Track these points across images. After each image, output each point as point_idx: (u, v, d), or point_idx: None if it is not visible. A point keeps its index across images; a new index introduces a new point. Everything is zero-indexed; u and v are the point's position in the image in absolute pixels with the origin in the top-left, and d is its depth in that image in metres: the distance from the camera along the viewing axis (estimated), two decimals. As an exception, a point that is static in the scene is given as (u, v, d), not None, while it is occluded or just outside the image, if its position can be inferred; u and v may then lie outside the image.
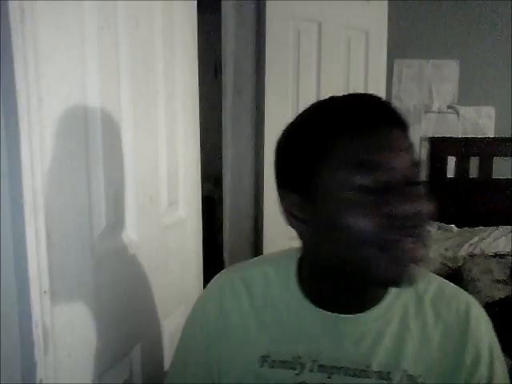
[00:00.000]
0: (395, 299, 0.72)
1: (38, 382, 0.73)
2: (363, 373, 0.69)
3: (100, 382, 0.89)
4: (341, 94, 0.68)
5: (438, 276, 0.77)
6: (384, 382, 0.69)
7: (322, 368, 0.70)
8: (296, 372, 0.70)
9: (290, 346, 0.71)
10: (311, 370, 0.70)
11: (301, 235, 0.70)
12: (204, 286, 1.42)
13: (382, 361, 0.69)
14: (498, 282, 2.40)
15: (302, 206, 0.67)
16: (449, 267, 2.69)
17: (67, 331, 0.80)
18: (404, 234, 0.60)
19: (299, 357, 0.71)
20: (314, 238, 0.67)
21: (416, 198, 0.60)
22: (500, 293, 2.26)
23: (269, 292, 0.75)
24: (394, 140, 0.62)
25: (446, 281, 0.77)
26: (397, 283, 0.63)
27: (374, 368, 0.69)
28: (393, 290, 0.72)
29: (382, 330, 0.70)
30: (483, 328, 0.72)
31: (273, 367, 0.71)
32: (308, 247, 0.72)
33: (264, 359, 0.72)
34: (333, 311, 0.71)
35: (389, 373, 0.69)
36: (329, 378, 0.69)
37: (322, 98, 0.69)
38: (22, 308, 0.71)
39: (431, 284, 0.74)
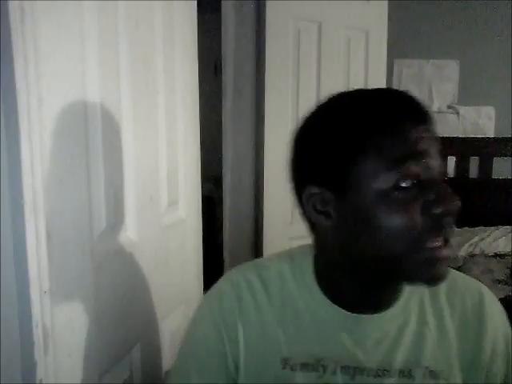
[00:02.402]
0: (411, 296, 0.71)
1: (37, 382, 0.73)
2: (386, 373, 0.68)
3: (100, 382, 0.89)
4: (366, 88, 0.66)
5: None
6: (406, 379, 0.68)
7: (344, 370, 0.68)
8: (319, 374, 0.69)
9: (312, 347, 0.69)
10: (333, 373, 0.68)
11: (320, 229, 0.68)
12: (204, 286, 1.43)
13: (403, 359, 0.68)
14: (498, 282, 2.40)
15: (326, 199, 0.64)
16: (449, 267, 2.69)
17: (67, 331, 0.80)
18: (438, 234, 0.59)
19: (321, 359, 0.69)
20: (337, 233, 0.65)
21: (449, 196, 0.59)
22: (500, 293, 2.25)
23: (286, 290, 0.72)
24: (430, 136, 0.61)
25: (457, 271, 0.76)
26: (429, 282, 0.63)
27: (396, 367, 0.68)
28: (408, 287, 0.71)
29: (401, 328, 0.69)
30: (498, 317, 0.72)
31: (295, 370, 0.69)
32: (328, 242, 0.68)
33: (286, 361, 0.70)
34: (352, 310, 0.69)
35: (410, 370, 0.68)
36: (352, 379, 0.68)
37: (344, 91, 0.67)
38: (22, 308, 0.71)
39: None
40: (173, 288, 1.21)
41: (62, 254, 0.78)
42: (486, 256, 2.71)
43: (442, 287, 0.72)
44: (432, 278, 0.62)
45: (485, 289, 0.74)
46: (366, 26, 2.34)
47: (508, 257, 2.64)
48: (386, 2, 2.37)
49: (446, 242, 0.60)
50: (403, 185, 0.58)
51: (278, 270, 0.74)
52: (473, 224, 3.03)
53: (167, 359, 1.19)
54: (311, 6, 2.19)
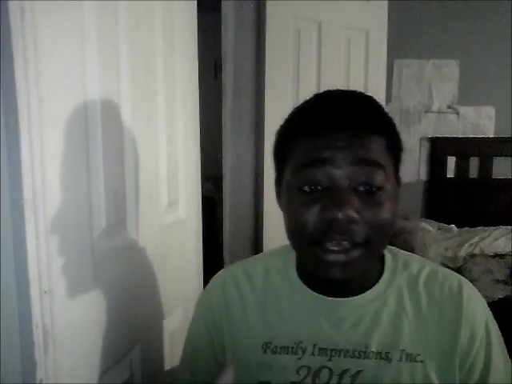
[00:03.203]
0: (390, 282, 0.75)
1: (37, 382, 0.73)
2: (362, 354, 0.71)
3: (100, 382, 0.89)
4: (328, 90, 0.72)
5: (432, 262, 0.80)
6: (383, 361, 0.71)
7: (322, 351, 0.72)
8: (298, 357, 0.73)
9: (292, 331, 0.74)
10: (312, 354, 0.72)
11: None
12: (204, 286, 1.43)
13: (380, 341, 0.72)
14: (498, 282, 2.40)
15: (279, 192, 0.73)
16: (449, 267, 2.69)
17: (67, 331, 0.80)
18: (329, 238, 0.63)
19: (300, 342, 0.73)
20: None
21: (340, 204, 0.61)
22: (500, 293, 2.26)
23: (269, 282, 0.78)
24: (341, 145, 0.63)
25: (440, 266, 0.80)
26: (324, 278, 0.67)
27: (373, 349, 0.71)
28: (387, 273, 0.75)
29: (378, 311, 0.73)
30: (477, 306, 0.74)
31: (275, 353, 0.74)
32: None
33: (267, 345, 0.74)
34: (331, 295, 0.73)
35: (387, 353, 0.71)
36: (329, 360, 0.72)
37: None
38: (22, 308, 0.71)
39: (425, 267, 0.77)
40: (173, 288, 1.21)
41: (62, 254, 0.78)
42: (486, 256, 2.71)
43: (422, 276, 0.76)
44: (324, 275, 0.66)
45: (465, 280, 0.76)
46: (366, 26, 2.34)
47: (508, 257, 2.64)
48: (386, 2, 2.37)
49: (344, 247, 0.63)
50: (305, 188, 0.64)
51: (264, 264, 0.81)
52: (473, 224, 3.03)
53: (167, 359, 1.19)
54: (311, 6, 2.19)
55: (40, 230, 0.72)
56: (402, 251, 0.80)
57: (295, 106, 0.73)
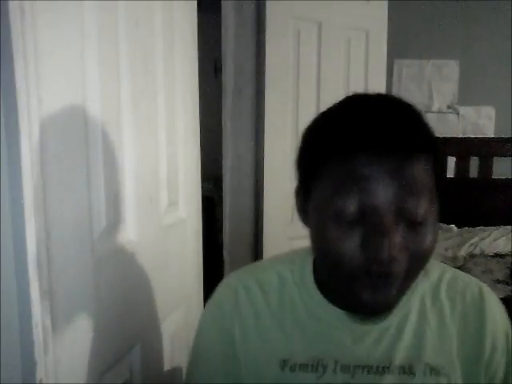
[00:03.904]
0: (412, 293, 0.71)
1: (37, 382, 0.72)
2: (387, 369, 0.68)
3: (100, 382, 0.89)
4: (363, 95, 0.65)
5: (449, 266, 0.77)
6: (407, 376, 0.68)
7: (344, 368, 0.69)
8: (318, 375, 0.69)
9: (311, 347, 0.70)
10: (334, 371, 0.69)
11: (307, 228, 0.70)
12: (204, 287, 1.43)
13: (404, 355, 0.69)
14: (498, 282, 2.40)
15: (303, 204, 0.68)
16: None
17: (67, 331, 0.80)
18: (367, 275, 0.59)
19: (321, 358, 0.69)
20: (311, 234, 0.67)
21: (391, 241, 0.56)
22: (500, 293, 2.26)
23: (285, 293, 0.73)
24: (382, 170, 0.57)
25: (458, 270, 0.77)
26: (352, 312, 0.65)
27: (397, 363, 0.68)
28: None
29: (401, 324, 0.70)
30: (498, 315, 0.72)
31: (294, 371, 0.69)
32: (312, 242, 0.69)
33: (285, 363, 0.70)
34: (350, 311, 0.69)
35: (411, 366, 0.68)
36: (352, 377, 0.68)
37: (348, 95, 0.66)
38: (22, 308, 0.71)
39: (445, 274, 0.74)
40: (173, 288, 1.21)
41: (62, 254, 0.78)
42: (486, 256, 2.71)
43: (443, 285, 0.73)
44: (357, 312, 0.64)
45: (485, 286, 0.74)
46: (366, 26, 2.34)
47: (508, 257, 2.64)
48: (386, 2, 2.37)
49: (391, 284, 0.59)
50: (343, 218, 0.58)
51: (277, 273, 0.75)
52: (473, 224, 3.03)
53: (167, 359, 1.19)
54: (311, 6, 2.19)
55: (40, 230, 0.71)
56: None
57: (327, 112, 0.65)
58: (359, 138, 0.58)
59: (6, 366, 0.71)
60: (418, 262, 0.60)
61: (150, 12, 1.06)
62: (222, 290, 0.77)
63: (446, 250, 2.79)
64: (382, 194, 0.56)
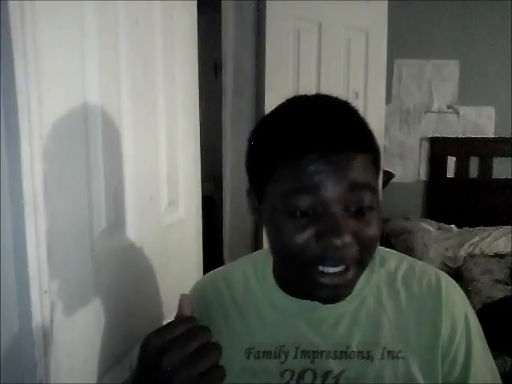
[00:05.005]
0: (367, 280, 0.75)
1: (37, 382, 0.73)
2: (344, 354, 0.71)
3: (100, 382, 0.89)
4: (305, 96, 0.71)
5: (409, 256, 0.80)
6: (365, 360, 0.71)
7: (304, 354, 0.73)
8: (281, 360, 0.73)
9: (273, 336, 0.74)
10: (295, 357, 0.73)
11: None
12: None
13: (361, 340, 0.72)
14: (498, 282, 2.40)
15: (256, 205, 0.72)
16: (449, 267, 2.69)
17: (67, 331, 0.80)
18: (324, 262, 0.63)
19: (282, 346, 0.73)
20: (266, 232, 0.71)
21: (335, 231, 0.61)
22: (500, 293, 2.25)
23: (249, 288, 0.79)
24: (330, 169, 0.62)
25: (416, 259, 0.80)
26: (318, 300, 0.68)
27: (354, 348, 0.71)
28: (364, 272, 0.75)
29: (357, 310, 0.73)
30: (456, 298, 0.74)
31: (258, 358, 0.74)
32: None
33: (249, 351, 0.74)
34: (309, 299, 0.73)
35: (369, 351, 0.71)
36: (312, 362, 0.72)
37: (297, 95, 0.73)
38: (22, 308, 0.71)
39: (402, 263, 0.77)
40: (173, 288, 1.21)
41: (62, 254, 0.78)
42: (486, 256, 2.71)
43: (399, 272, 0.76)
44: (318, 299, 0.67)
45: (443, 273, 0.77)
46: (366, 25, 2.34)
47: (508, 257, 2.64)
48: (386, 2, 2.37)
49: (347, 268, 0.64)
50: (296, 214, 0.63)
51: (242, 271, 0.81)
52: (473, 224, 3.03)
53: (167, 359, 1.19)
54: (311, 6, 2.19)
55: (40, 230, 0.72)
56: (378, 247, 0.79)
57: (272, 116, 0.72)
58: (306, 141, 0.63)
59: (5, 366, 0.71)
60: (367, 248, 0.65)
61: (150, 12, 1.06)
62: (194, 287, 0.85)
63: (446, 249, 2.79)
64: (331, 188, 0.62)
